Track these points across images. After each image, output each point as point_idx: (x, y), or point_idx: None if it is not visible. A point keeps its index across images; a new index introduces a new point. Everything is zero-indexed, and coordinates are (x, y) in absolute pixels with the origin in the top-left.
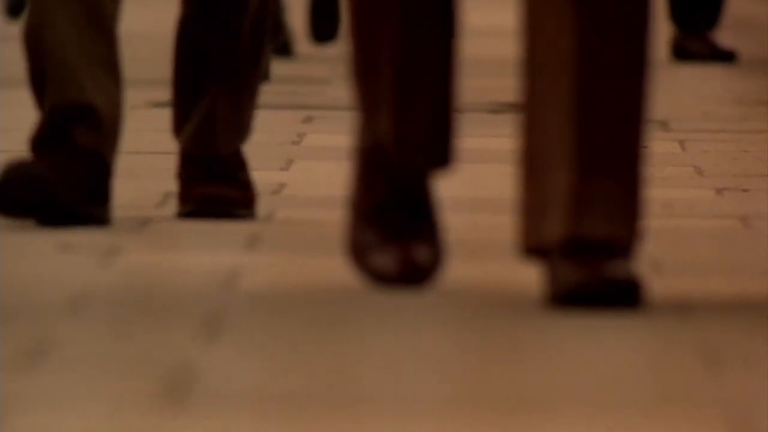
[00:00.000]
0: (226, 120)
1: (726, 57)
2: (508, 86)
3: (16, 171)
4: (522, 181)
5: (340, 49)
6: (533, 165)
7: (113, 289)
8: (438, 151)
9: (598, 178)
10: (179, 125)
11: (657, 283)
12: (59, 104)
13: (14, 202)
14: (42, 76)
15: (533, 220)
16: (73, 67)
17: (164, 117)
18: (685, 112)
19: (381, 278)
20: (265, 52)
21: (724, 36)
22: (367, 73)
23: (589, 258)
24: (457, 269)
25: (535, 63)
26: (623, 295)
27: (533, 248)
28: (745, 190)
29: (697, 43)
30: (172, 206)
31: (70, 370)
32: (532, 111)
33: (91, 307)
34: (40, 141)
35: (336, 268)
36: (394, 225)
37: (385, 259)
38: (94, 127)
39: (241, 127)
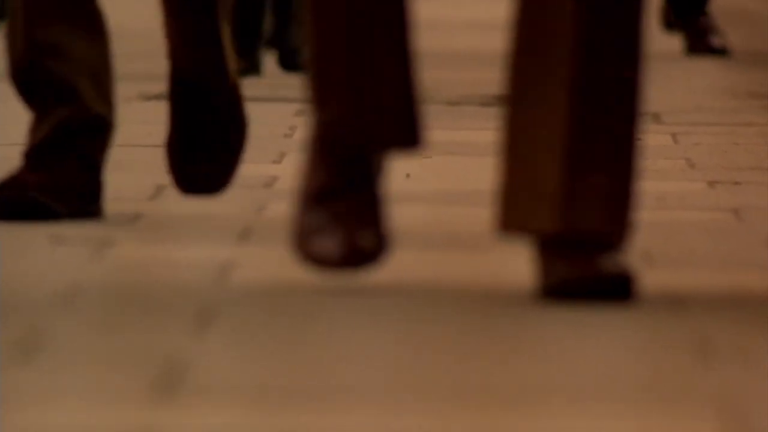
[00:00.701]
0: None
1: (719, 53)
2: (500, 79)
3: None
4: (507, 166)
5: None
6: (520, 154)
7: (105, 282)
8: (389, 132)
9: (591, 171)
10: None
11: (649, 276)
12: (67, 116)
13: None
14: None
15: (519, 203)
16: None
17: (156, 110)
18: (677, 104)
19: (323, 263)
20: None
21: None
22: (320, 57)
23: (581, 252)
24: (448, 262)
25: (524, 57)
26: (615, 290)
27: (516, 231)
28: (737, 183)
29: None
30: (165, 199)
31: (61, 363)
32: (521, 103)
33: (83, 300)
34: (44, 151)
35: None
36: (338, 210)
37: (327, 244)
38: (101, 138)
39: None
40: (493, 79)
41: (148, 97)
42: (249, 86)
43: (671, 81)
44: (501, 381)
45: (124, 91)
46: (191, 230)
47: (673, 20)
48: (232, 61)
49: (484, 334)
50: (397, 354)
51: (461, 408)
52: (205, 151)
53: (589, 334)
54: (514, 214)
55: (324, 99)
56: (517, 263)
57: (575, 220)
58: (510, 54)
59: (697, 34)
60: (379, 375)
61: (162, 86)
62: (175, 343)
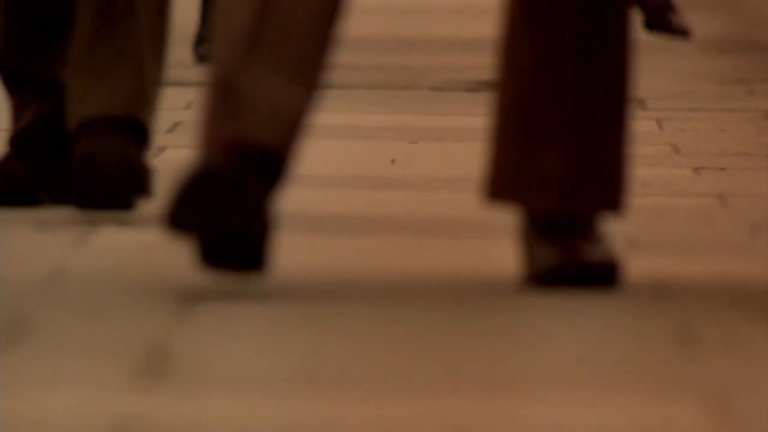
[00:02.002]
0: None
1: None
2: (486, 65)
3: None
4: (498, 142)
5: None
6: (511, 134)
7: (89, 267)
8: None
9: (585, 156)
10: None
11: (633, 262)
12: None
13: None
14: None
15: (512, 176)
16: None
17: None
18: (662, 90)
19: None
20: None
21: (702, 16)
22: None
23: (567, 239)
24: (433, 248)
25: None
26: (601, 278)
27: (502, 201)
28: (722, 169)
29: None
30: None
31: (45, 350)
32: (512, 88)
33: (67, 286)
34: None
35: (314, 248)
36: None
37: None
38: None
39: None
40: (478, 64)
41: None
42: None
43: (656, 67)
44: (485, 368)
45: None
46: None
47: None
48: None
49: (469, 320)
50: (380, 341)
51: (444, 395)
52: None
53: (573, 321)
54: (506, 184)
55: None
56: (503, 249)
57: (569, 204)
58: (499, 40)
59: (654, 10)
60: (365, 362)
61: None
62: (159, 329)
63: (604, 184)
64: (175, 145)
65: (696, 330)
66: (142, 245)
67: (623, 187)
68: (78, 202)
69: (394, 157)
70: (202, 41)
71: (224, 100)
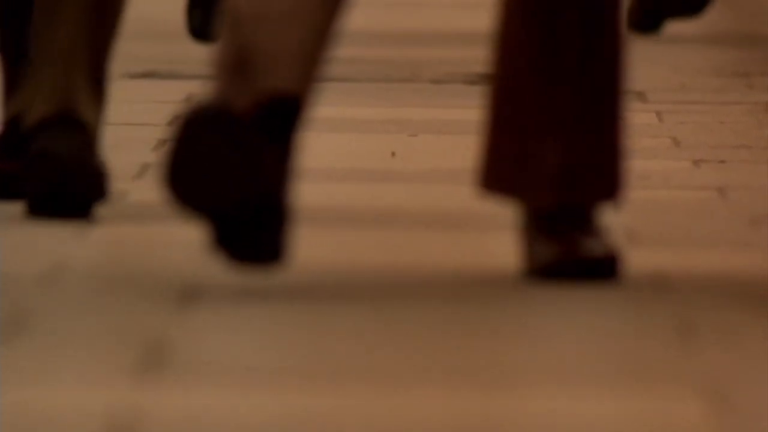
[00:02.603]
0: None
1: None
2: (486, 58)
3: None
4: (494, 135)
5: None
6: (508, 128)
7: (89, 261)
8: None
9: (583, 148)
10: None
11: (633, 255)
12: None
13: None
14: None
15: (505, 168)
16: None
17: (142, 88)
18: (662, 83)
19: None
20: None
21: None
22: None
23: (567, 234)
24: (433, 241)
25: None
26: (601, 273)
27: (499, 193)
28: (722, 162)
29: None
30: (149, 178)
31: (45, 343)
32: (509, 81)
33: (67, 280)
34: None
35: (312, 241)
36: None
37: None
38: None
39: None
40: (479, 57)
41: (134, 76)
42: None
43: (655, 59)
44: (483, 362)
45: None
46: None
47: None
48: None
49: (468, 314)
50: (380, 335)
51: (442, 390)
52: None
53: (572, 315)
54: (504, 177)
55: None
56: (504, 242)
57: (567, 196)
58: (497, 32)
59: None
60: (362, 357)
61: (148, 66)
62: (159, 323)
63: (603, 175)
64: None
65: (695, 323)
66: (141, 239)
67: (621, 178)
68: (32, 210)
69: (395, 150)
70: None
71: (241, 76)
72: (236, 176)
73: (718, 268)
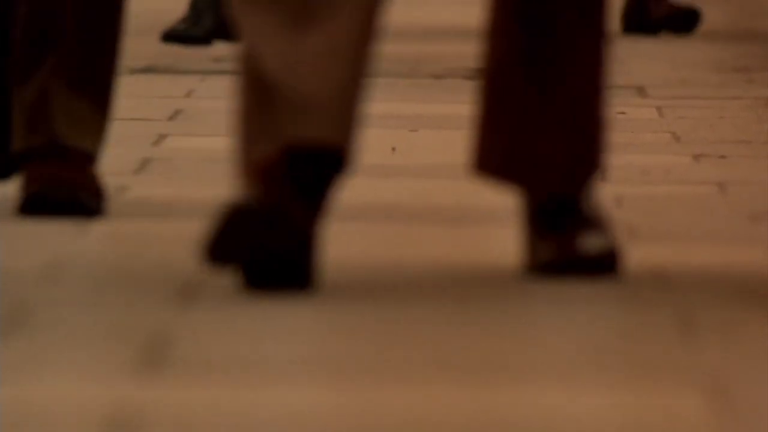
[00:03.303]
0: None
1: (690, 17)
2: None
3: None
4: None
5: None
6: (502, 117)
7: (89, 256)
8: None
9: (574, 131)
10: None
11: (633, 250)
12: None
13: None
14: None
15: (501, 156)
16: None
17: (141, 83)
18: (662, 78)
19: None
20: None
21: (703, 5)
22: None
23: (566, 231)
24: (437, 236)
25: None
26: (600, 270)
27: (496, 178)
28: (722, 157)
29: (656, 8)
30: (150, 173)
31: (45, 338)
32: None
33: (68, 275)
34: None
35: None
36: None
37: None
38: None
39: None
40: (477, 53)
41: (133, 70)
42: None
43: (655, 54)
44: (482, 357)
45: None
46: (176, 204)
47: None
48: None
49: (468, 309)
50: (380, 329)
51: (443, 384)
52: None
53: (571, 310)
54: (501, 164)
55: None
56: (503, 237)
57: (569, 179)
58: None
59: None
60: (363, 350)
61: (148, 61)
62: (160, 318)
63: (591, 152)
64: (176, 134)
65: (695, 319)
66: (142, 234)
67: (604, 149)
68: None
69: (395, 145)
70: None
71: (269, 104)
72: (264, 239)
73: (717, 263)
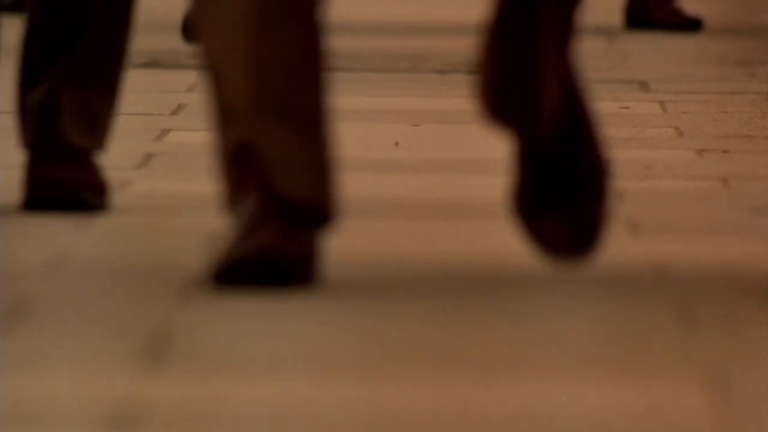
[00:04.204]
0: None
1: (692, 25)
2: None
3: None
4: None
5: None
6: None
7: (92, 250)
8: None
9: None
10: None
11: (635, 244)
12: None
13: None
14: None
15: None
16: None
17: (145, 78)
18: (665, 73)
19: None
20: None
21: (706, 0)
22: None
23: (568, 206)
24: (439, 230)
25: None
26: (598, 234)
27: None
28: (725, 151)
29: (660, 10)
30: (153, 167)
31: (47, 333)
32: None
33: (70, 269)
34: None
35: None
36: None
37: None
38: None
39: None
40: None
41: (135, 65)
42: None
43: (659, 50)
44: (486, 352)
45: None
46: (178, 199)
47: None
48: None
49: (471, 304)
50: (381, 325)
51: (441, 377)
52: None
53: (573, 302)
54: (500, 106)
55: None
56: (505, 232)
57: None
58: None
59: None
60: (364, 343)
61: (151, 56)
62: (161, 312)
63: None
64: (178, 128)
65: (697, 312)
66: (144, 228)
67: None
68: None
69: (398, 140)
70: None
71: (246, 166)
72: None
73: (720, 257)
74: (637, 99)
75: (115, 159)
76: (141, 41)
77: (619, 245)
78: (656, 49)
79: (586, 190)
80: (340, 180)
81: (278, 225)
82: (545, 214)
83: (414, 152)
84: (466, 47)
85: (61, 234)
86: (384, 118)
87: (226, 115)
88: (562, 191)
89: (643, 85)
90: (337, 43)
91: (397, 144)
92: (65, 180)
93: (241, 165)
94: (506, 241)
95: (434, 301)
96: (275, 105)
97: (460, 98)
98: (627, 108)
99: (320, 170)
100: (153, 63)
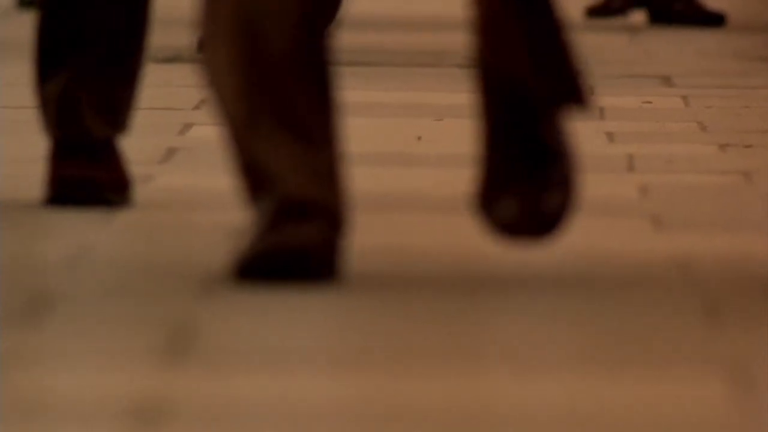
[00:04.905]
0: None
1: (715, 21)
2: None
3: None
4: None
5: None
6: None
7: (115, 245)
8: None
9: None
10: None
11: (658, 238)
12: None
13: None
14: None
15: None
16: None
17: (167, 72)
18: (688, 68)
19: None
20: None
21: None
22: None
23: (529, 187)
24: (461, 225)
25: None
26: (558, 225)
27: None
28: (748, 146)
29: (682, 5)
30: (175, 162)
31: (70, 327)
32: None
33: (92, 264)
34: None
35: None
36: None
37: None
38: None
39: (114, 113)
40: None
41: (158, 60)
42: None
43: (682, 45)
44: (502, 346)
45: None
46: (201, 194)
47: (665, 13)
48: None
49: (488, 298)
50: (403, 319)
51: (443, 374)
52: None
53: (597, 296)
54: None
55: None
56: None
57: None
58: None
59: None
60: (385, 340)
61: (173, 51)
62: (184, 307)
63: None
64: (201, 123)
65: (720, 306)
66: (167, 223)
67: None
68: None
69: (420, 134)
70: None
71: (255, 177)
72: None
73: (742, 251)
74: (660, 94)
75: (138, 154)
76: (164, 36)
77: (641, 239)
78: (679, 45)
79: (548, 175)
80: (349, 176)
81: (297, 221)
82: (506, 197)
83: (437, 146)
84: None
85: (84, 229)
86: (407, 112)
87: (230, 128)
88: (524, 174)
89: (666, 80)
90: (360, 39)
91: (420, 138)
92: (89, 179)
93: (252, 172)
94: None
95: (456, 296)
96: (271, 113)
97: (467, 93)
98: (650, 103)
99: (321, 171)
100: (176, 58)
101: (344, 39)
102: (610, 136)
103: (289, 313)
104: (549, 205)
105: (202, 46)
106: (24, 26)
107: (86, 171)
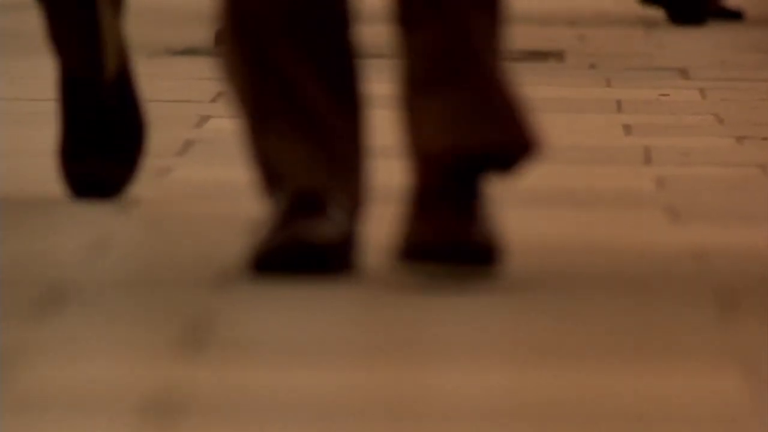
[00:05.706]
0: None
1: (733, 16)
2: (532, 35)
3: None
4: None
5: None
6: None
7: (132, 237)
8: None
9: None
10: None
11: (674, 231)
12: None
13: None
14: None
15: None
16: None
17: (183, 65)
18: (704, 60)
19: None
20: None
21: None
22: None
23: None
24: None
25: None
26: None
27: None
28: (764, 139)
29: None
30: (193, 154)
31: (88, 319)
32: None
33: (110, 256)
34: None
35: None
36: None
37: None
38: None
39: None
40: (525, 34)
41: (175, 52)
42: None
43: (698, 37)
44: (518, 338)
45: (150, 47)
46: (218, 186)
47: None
48: (113, 57)
49: (502, 291)
50: (415, 312)
51: (464, 364)
52: (99, 152)
53: (612, 290)
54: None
55: None
56: (527, 218)
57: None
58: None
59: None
60: (398, 332)
61: (190, 42)
62: (201, 299)
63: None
64: (218, 115)
65: (736, 298)
66: (184, 215)
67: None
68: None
69: None
70: None
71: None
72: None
73: (759, 243)
74: (676, 86)
75: (155, 146)
76: (180, 29)
77: (658, 231)
78: (696, 37)
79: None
80: (371, 169)
81: (313, 215)
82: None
83: None
84: (530, 34)
85: (101, 220)
86: None
87: (244, 122)
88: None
89: (683, 73)
90: (387, 30)
91: None
92: (105, 178)
93: (266, 165)
94: (540, 231)
95: (476, 289)
96: (283, 108)
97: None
98: (667, 95)
99: (337, 165)
100: (192, 50)
101: (369, 32)
102: (627, 129)
103: (305, 307)
104: (465, 234)
105: (219, 39)
106: (33, 18)
107: (101, 170)
